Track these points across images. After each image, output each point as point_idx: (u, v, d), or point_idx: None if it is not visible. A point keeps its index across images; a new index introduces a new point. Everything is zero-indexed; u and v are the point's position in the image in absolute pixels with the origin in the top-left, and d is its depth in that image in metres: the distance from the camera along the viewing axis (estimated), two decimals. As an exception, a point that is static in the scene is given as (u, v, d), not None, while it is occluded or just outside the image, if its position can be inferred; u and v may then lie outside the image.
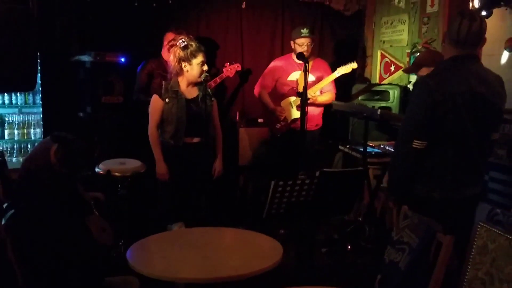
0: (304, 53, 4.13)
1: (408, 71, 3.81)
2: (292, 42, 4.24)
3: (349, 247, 3.89)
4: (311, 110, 4.10)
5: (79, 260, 2.74)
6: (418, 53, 4.37)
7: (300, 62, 4.15)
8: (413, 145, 2.26)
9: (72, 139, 2.80)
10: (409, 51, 4.67)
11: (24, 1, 2.62)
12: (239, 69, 4.51)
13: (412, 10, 4.64)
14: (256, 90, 4.43)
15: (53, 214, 2.79)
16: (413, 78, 4.58)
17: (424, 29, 4.43)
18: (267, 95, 4.32)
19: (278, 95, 4.31)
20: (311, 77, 4.21)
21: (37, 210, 2.77)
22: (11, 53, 2.53)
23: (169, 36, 4.14)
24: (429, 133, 2.26)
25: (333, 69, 4.30)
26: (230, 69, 4.42)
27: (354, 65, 4.28)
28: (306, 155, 3.84)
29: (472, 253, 1.82)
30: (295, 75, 4.25)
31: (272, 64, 4.39)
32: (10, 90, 3.56)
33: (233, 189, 4.83)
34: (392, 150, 3.60)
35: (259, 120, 4.77)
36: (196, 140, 3.38)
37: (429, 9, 4.36)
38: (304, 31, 4.13)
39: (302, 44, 4.13)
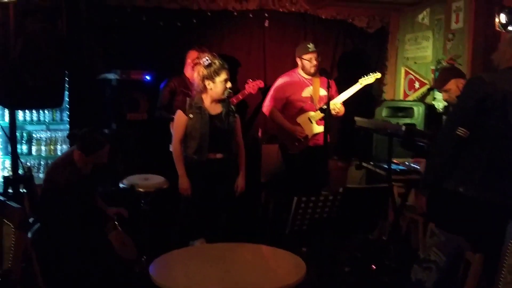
0: (313, 68, 4.19)
1: (434, 87, 3.77)
2: (298, 59, 4.26)
3: (373, 266, 3.80)
4: None
5: (101, 274, 2.76)
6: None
7: (309, 77, 4.24)
8: (457, 132, 2.34)
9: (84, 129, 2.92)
10: (433, 67, 4.63)
11: (53, 21, 2.70)
12: (262, 85, 4.53)
13: (436, 27, 4.61)
14: (267, 109, 4.35)
15: (76, 228, 2.82)
16: (438, 95, 4.52)
17: (449, 46, 4.38)
18: (280, 114, 4.28)
19: (292, 112, 4.27)
20: (324, 92, 4.24)
21: (61, 225, 2.81)
22: (40, 71, 2.59)
23: (192, 54, 4.21)
24: (473, 124, 2.34)
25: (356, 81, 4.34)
26: (252, 86, 4.45)
27: (377, 75, 4.32)
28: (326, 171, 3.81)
29: (503, 272, 1.75)
30: (308, 91, 4.25)
31: (280, 81, 4.32)
32: (39, 106, 3.65)
33: (254, 205, 4.81)
34: (418, 167, 3.56)
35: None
36: (219, 156, 3.39)
37: (453, 26, 4.32)
38: (311, 46, 4.18)
39: (310, 59, 4.16)
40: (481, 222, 2.32)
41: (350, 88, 4.30)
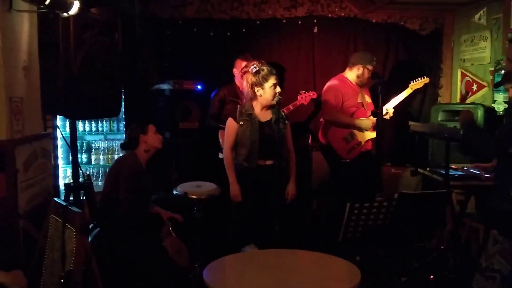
0: (366, 79, 4.20)
1: (499, 84, 3.59)
2: (360, 66, 4.18)
3: (431, 277, 3.65)
4: None
5: (157, 278, 2.82)
6: (503, 71, 4.13)
7: (356, 85, 4.23)
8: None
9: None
10: (492, 68, 4.42)
11: (111, 35, 2.82)
12: (315, 97, 4.52)
13: (494, 26, 4.41)
14: (327, 116, 4.26)
15: (133, 233, 2.91)
16: (498, 97, 4.31)
17: (508, 45, 4.17)
18: (342, 114, 4.18)
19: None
20: (369, 99, 4.30)
21: (119, 228, 2.91)
22: (99, 82, 2.70)
23: (238, 63, 4.27)
24: None
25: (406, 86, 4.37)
26: (305, 97, 4.46)
27: (426, 79, 4.38)
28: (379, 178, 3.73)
29: None
30: (360, 97, 4.24)
31: (333, 85, 4.22)
32: (98, 116, 3.81)
33: (305, 213, 4.76)
34: (477, 172, 3.40)
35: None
36: (269, 162, 3.39)
37: (513, 24, 4.12)
38: (375, 59, 4.23)
39: (372, 70, 4.18)
40: None
41: (401, 93, 4.32)
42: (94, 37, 2.63)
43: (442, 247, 3.94)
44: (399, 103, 4.35)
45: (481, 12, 4.60)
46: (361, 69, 4.18)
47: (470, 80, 4.78)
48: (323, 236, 4.47)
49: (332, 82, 4.27)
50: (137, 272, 2.89)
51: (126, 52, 4.19)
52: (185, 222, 3.55)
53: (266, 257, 2.52)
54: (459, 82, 4.96)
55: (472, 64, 4.75)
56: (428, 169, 3.71)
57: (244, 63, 4.01)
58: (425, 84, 4.46)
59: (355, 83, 4.22)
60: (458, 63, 4.98)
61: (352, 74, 4.23)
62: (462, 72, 4.91)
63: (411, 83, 4.35)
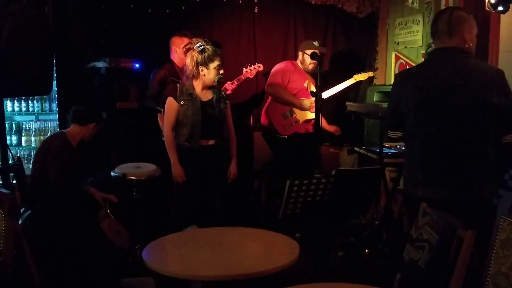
0: (312, 65, 4.27)
1: None
2: (300, 53, 4.35)
3: (366, 250, 3.83)
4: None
5: (95, 260, 2.75)
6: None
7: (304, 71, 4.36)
8: None
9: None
10: (424, 51, 4.62)
11: (40, 8, 2.67)
12: (261, 69, 4.51)
13: (426, 10, 4.60)
14: (270, 88, 4.31)
15: (67, 214, 2.81)
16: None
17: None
18: (285, 90, 4.27)
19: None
20: (314, 88, 4.36)
21: (52, 210, 2.80)
22: (28, 58, 2.56)
23: (175, 40, 4.20)
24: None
25: (348, 74, 4.52)
26: (250, 70, 4.43)
27: (370, 73, 4.68)
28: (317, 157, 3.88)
29: (495, 248, 1.76)
30: (307, 83, 4.36)
31: (284, 65, 4.36)
32: (27, 94, 3.61)
33: (247, 193, 4.81)
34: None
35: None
36: (211, 142, 3.37)
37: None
38: (316, 43, 4.33)
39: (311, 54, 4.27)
40: None
41: (344, 82, 4.51)
42: (22, 10, 2.48)
43: (376, 222, 4.13)
44: (340, 91, 4.54)
45: (414, -4, 4.79)
46: (301, 56, 4.34)
47: (404, 62, 4.97)
48: (264, 215, 4.54)
49: (284, 63, 4.41)
50: (74, 255, 2.80)
51: (58, 27, 3.98)
52: (125, 204, 3.47)
53: (207, 235, 2.53)
54: (393, 65, 5.15)
55: (406, 47, 4.95)
56: (363, 147, 3.85)
57: (183, 40, 3.94)
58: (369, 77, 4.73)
59: (303, 70, 4.37)
60: (393, 45, 5.16)
61: (298, 62, 4.40)
62: (396, 55, 5.10)
63: (356, 74, 4.56)
